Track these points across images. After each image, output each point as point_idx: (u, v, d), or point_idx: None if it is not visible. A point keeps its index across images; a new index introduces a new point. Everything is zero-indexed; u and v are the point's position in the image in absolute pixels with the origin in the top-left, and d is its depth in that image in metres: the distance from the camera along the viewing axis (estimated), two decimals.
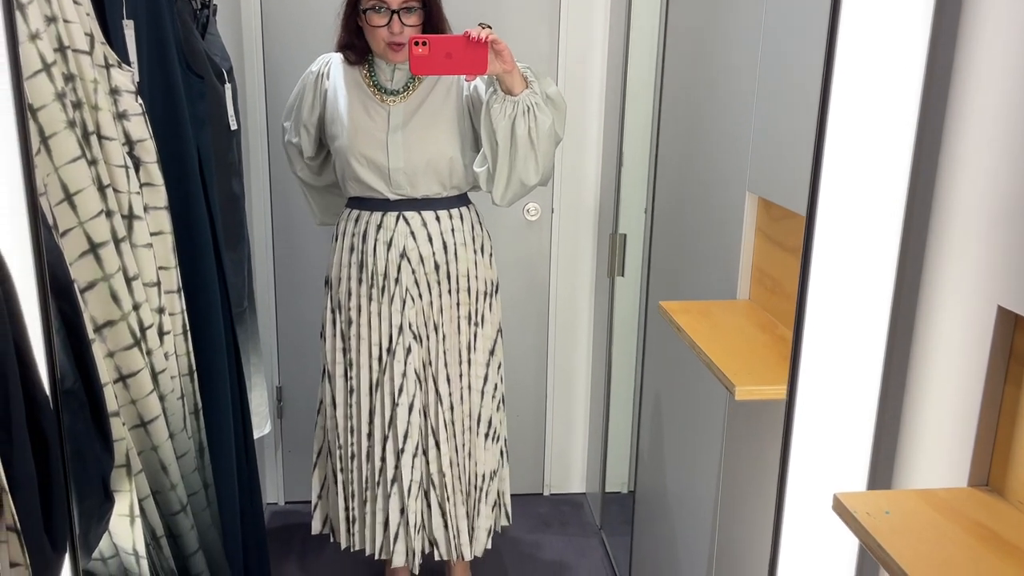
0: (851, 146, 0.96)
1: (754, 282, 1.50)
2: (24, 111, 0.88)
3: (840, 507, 0.85)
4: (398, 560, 2.04)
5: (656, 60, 2.08)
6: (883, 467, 1.01)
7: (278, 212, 2.58)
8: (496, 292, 2.07)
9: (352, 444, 2.04)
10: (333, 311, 2.03)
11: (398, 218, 1.94)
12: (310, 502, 2.23)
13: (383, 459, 2.00)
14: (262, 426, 2.13)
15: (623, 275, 2.51)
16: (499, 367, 2.11)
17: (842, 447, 1.01)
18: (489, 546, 2.17)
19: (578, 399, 2.87)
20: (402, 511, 2.01)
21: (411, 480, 2.00)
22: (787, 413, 1.00)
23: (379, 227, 1.94)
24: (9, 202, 0.90)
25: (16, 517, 0.81)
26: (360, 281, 1.97)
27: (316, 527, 2.18)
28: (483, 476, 2.13)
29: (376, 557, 2.08)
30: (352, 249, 1.97)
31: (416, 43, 1.68)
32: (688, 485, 1.85)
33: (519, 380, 2.80)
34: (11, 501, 0.81)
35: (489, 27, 1.72)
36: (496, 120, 1.79)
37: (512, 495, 2.86)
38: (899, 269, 0.97)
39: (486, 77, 1.83)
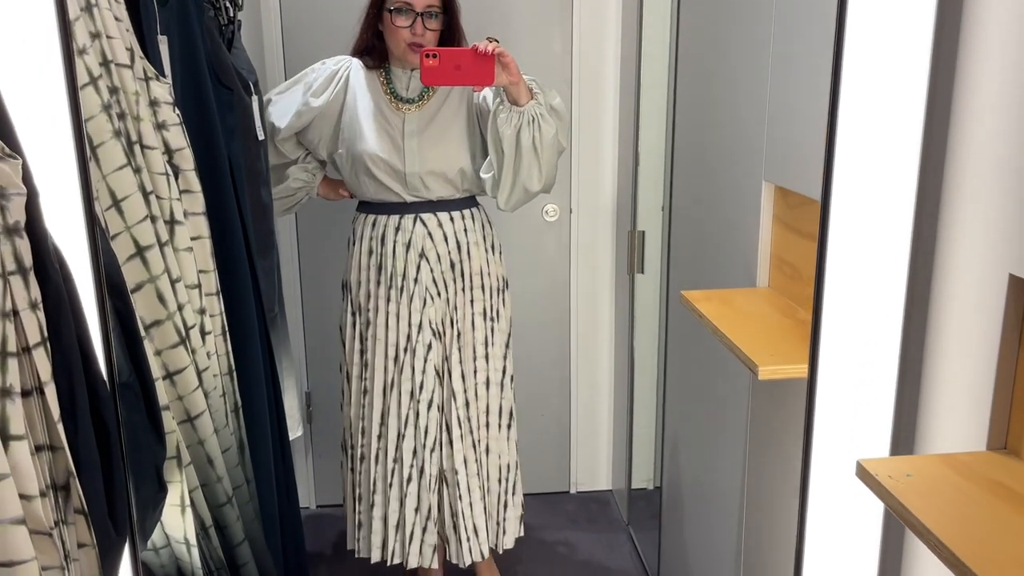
0: (863, 129, 1.00)
1: (773, 269, 1.54)
2: (81, 123, 0.94)
3: (864, 473, 0.89)
4: (413, 562, 2.07)
5: (669, 57, 2.12)
6: (905, 436, 1.04)
7: (303, 223, 2.64)
8: (507, 288, 2.15)
9: (362, 446, 2.09)
10: (353, 314, 2.10)
11: (415, 220, 2.01)
12: (341, 505, 2.32)
13: (396, 459, 2.04)
14: (295, 429, 2.18)
15: (643, 272, 2.54)
16: (512, 359, 2.19)
17: (864, 418, 1.05)
18: (521, 534, 2.22)
19: (602, 396, 2.90)
20: (416, 509, 2.06)
21: (431, 475, 2.05)
22: (809, 387, 1.04)
23: (397, 229, 2.01)
24: (67, 208, 0.95)
25: (83, 500, 0.86)
26: (379, 283, 2.03)
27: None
28: (508, 467, 2.18)
29: (380, 560, 2.10)
30: (371, 252, 2.04)
31: (427, 55, 1.76)
32: (714, 476, 1.88)
33: (543, 379, 2.84)
34: (79, 485, 0.86)
35: (496, 41, 1.81)
36: (502, 129, 1.88)
37: (539, 494, 2.92)
38: (913, 243, 1.01)
39: (494, 88, 1.91)
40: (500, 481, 2.17)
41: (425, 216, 2.01)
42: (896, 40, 0.97)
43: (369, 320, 2.05)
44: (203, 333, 1.32)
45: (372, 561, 2.12)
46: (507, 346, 2.15)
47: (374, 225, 2.04)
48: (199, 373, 1.28)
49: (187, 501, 1.17)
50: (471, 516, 2.10)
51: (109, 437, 0.92)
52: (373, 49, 2.01)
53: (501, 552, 2.21)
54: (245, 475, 1.46)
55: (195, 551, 1.19)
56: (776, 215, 1.51)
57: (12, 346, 0.79)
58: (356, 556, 2.15)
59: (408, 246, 2.01)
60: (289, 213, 2.25)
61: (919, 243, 1.01)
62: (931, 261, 0.99)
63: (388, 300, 2.02)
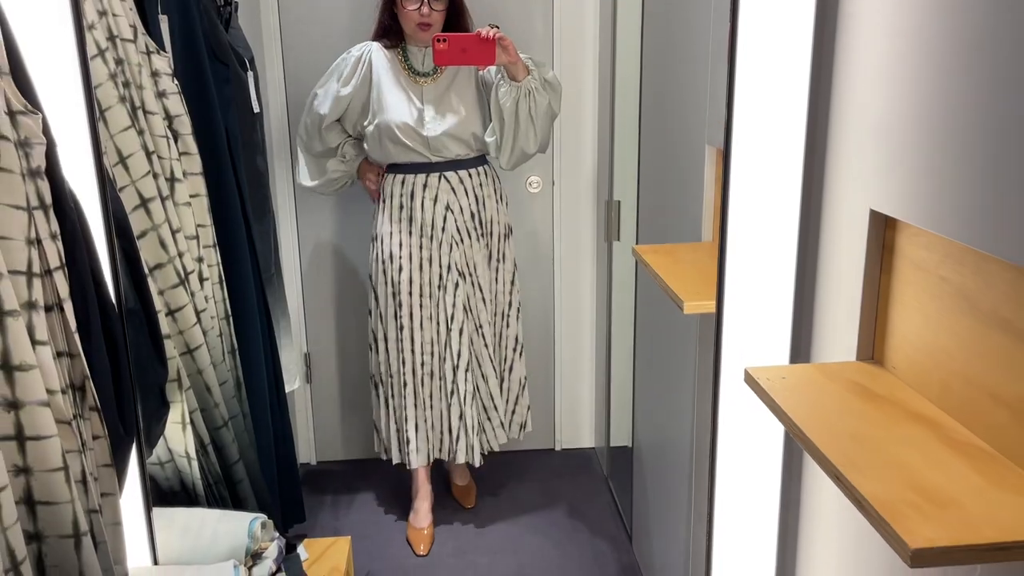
0: (759, 90, 1.16)
1: (715, 224, 1.70)
2: (91, 90, 1.11)
3: (749, 378, 1.05)
4: (460, 458, 2.50)
5: (639, 39, 2.28)
6: (803, 357, 1.21)
7: (300, 192, 2.81)
8: (511, 233, 2.54)
9: (404, 374, 2.43)
10: (384, 261, 2.41)
11: (440, 177, 2.36)
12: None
13: (443, 376, 2.44)
14: (292, 381, 2.36)
15: (619, 239, 2.70)
16: (518, 293, 2.59)
17: (766, 340, 1.21)
18: (530, 427, 2.72)
19: (584, 359, 3.07)
20: (461, 416, 2.46)
21: (465, 391, 2.45)
22: (717, 315, 1.20)
23: (425, 186, 2.36)
24: (80, 161, 1.12)
25: (96, 400, 1.04)
26: (411, 233, 2.37)
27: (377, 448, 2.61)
28: (519, 381, 2.63)
29: (445, 458, 2.53)
30: (402, 207, 2.38)
31: (438, 40, 2.11)
32: (671, 428, 2.04)
33: (528, 341, 3.00)
34: (93, 387, 1.03)
35: (497, 27, 2.16)
36: (503, 101, 2.24)
37: (525, 451, 3.09)
38: (804, 185, 1.16)
39: (495, 67, 2.25)
40: (514, 395, 2.64)
41: (448, 174, 2.36)
42: (784, 13, 1.12)
43: (402, 266, 2.38)
44: (201, 279, 1.49)
45: (436, 457, 2.53)
46: (512, 283, 2.55)
47: (403, 183, 2.37)
48: (197, 312, 1.46)
49: (187, 420, 1.34)
50: (489, 420, 2.56)
51: (118, 351, 1.09)
52: (390, 29, 2.33)
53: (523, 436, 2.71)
54: (242, 409, 1.64)
55: (195, 464, 1.37)
56: (718, 175, 1.67)
57: (36, 268, 0.96)
58: (409, 467, 2.54)
59: (435, 200, 2.35)
60: (335, 194, 2.63)
61: (810, 185, 1.16)
62: (820, 201, 1.15)
63: (420, 247, 2.37)
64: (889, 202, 0.99)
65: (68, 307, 1.01)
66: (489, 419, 2.56)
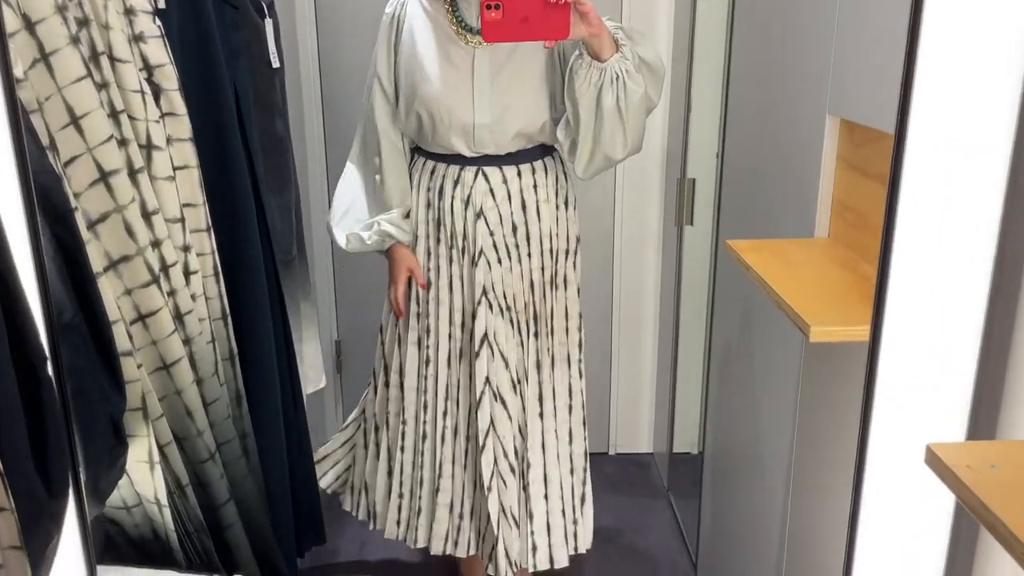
0: (948, 55, 0.81)
1: (834, 217, 1.35)
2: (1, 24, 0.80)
3: (935, 460, 0.72)
4: (502, 565, 1.79)
5: None
6: (987, 418, 0.86)
7: (333, 158, 2.50)
8: (578, 247, 1.85)
9: (425, 423, 1.83)
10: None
11: (476, 173, 1.73)
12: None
13: (470, 438, 1.81)
14: (318, 380, 2.07)
15: (692, 223, 2.37)
16: (579, 333, 1.89)
17: (936, 393, 0.87)
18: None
19: (645, 355, 2.76)
20: (500, 499, 1.79)
21: (511, 460, 1.80)
22: (871, 353, 0.86)
23: (456, 183, 1.74)
24: None
25: None
26: (439, 240, 1.77)
27: (347, 505, 2.00)
28: (579, 456, 1.94)
29: (441, 553, 1.86)
30: (429, 205, 1.78)
31: (488, 6, 1.47)
32: (760, 445, 1.72)
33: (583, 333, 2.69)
34: None
35: None
36: (580, 89, 1.59)
37: None
38: (1009, 187, 0.82)
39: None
40: (572, 472, 1.91)
41: (488, 170, 1.72)
42: None
43: (429, 280, 1.79)
44: (187, 273, 1.20)
45: (433, 552, 1.85)
46: (569, 316, 1.85)
47: (432, 174, 1.77)
48: (180, 316, 1.16)
49: (156, 457, 1.05)
50: (545, 512, 1.86)
51: (39, 384, 0.79)
52: None
53: (583, 551, 1.93)
54: (239, 429, 1.35)
55: (167, 511, 1.08)
56: (840, 154, 1.32)
57: None
58: (413, 547, 1.88)
59: (467, 202, 1.73)
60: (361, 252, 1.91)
61: (1016, 188, 0.81)
62: None
63: (451, 261, 1.77)
64: None
65: None
66: (533, 517, 1.85)
